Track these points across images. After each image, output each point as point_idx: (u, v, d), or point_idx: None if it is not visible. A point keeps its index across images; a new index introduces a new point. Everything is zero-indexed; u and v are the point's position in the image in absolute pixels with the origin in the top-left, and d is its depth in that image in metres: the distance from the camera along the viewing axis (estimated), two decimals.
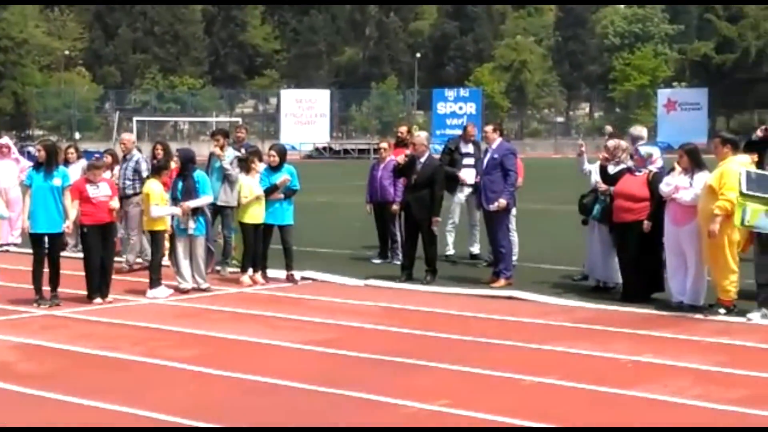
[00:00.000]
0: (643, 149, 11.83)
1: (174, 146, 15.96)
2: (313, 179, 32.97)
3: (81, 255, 12.12)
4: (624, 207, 11.37)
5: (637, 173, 11.53)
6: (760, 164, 11.39)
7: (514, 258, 13.34)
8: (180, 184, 12.27)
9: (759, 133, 12.85)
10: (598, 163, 12.25)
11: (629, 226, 11.29)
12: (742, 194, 10.06)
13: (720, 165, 10.55)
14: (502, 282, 12.47)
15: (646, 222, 11.14)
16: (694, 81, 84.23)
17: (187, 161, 12.55)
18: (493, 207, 12.55)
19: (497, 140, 12.98)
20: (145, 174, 13.96)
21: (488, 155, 12.92)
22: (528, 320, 10.40)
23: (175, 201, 12.21)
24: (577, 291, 12.06)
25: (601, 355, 8.79)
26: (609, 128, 13.38)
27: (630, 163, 11.80)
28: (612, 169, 11.88)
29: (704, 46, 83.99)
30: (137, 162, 14.21)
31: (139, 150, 14.81)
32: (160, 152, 14.08)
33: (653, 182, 11.25)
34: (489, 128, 13.21)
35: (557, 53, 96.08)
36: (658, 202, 11.08)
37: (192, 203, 12.12)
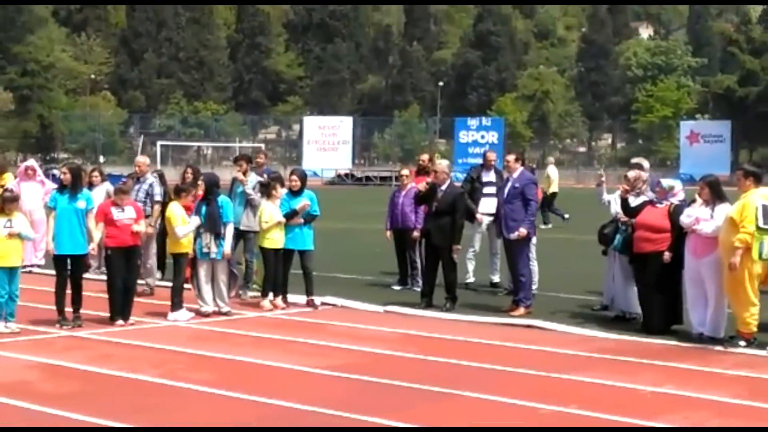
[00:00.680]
0: (665, 182, 11.84)
1: None
2: (335, 206, 33.08)
3: (104, 277, 12.22)
4: (644, 237, 11.37)
5: (658, 205, 11.54)
6: None
7: (534, 287, 13.35)
8: (204, 209, 12.35)
9: None
10: (618, 193, 12.26)
11: (649, 256, 11.28)
12: (759, 228, 10.11)
13: (742, 197, 10.55)
14: (521, 311, 12.47)
15: (666, 253, 11.13)
16: (716, 113, 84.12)
17: (212, 186, 12.65)
18: (514, 236, 12.58)
19: (519, 169, 13.01)
20: (158, 198, 14.14)
21: (509, 184, 12.95)
22: (547, 349, 10.39)
23: (198, 225, 12.29)
24: (597, 321, 12.04)
25: (621, 385, 8.77)
26: (639, 161, 13.40)
27: (651, 195, 11.81)
28: (633, 201, 11.89)
29: (727, 78, 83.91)
30: (151, 185, 14.38)
31: (161, 175, 15.00)
32: (190, 176, 14.23)
33: (674, 214, 11.25)
34: (511, 157, 13.25)
35: (580, 83, 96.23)
36: (679, 234, 11.09)
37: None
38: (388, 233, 14.84)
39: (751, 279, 10.39)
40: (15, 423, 7.39)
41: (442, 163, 13.71)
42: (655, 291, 11.23)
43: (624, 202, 11.98)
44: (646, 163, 13.22)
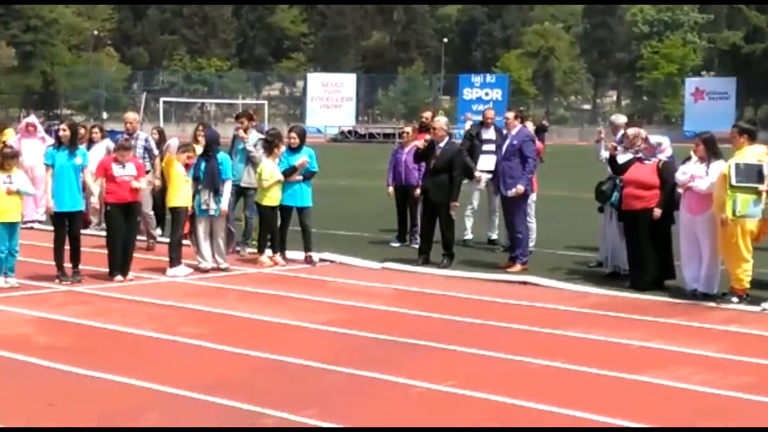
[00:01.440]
0: (653, 138, 11.85)
1: None
2: (337, 163, 33.15)
3: (104, 233, 12.32)
4: (634, 194, 11.42)
5: (646, 162, 11.57)
6: None
7: (531, 244, 13.45)
8: (203, 165, 12.41)
9: None
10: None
11: (639, 213, 11.34)
12: (731, 186, 10.23)
13: (736, 154, 10.61)
14: (518, 267, 12.56)
15: (656, 209, 11.20)
16: (722, 70, 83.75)
17: (212, 142, 12.70)
18: (511, 193, 12.64)
19: (518, 127, 13.05)
20: (156, 152, 14.23)
21: (507, 141, 13.00)
22: (541, 305, 10.49)
23: (197, 181, 12.37)
24: (592, 277, 12.14)
25: (612, 340, 8.88)
26: (623, 118, 13.46)
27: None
28: (621, 158, 11.93)
29: (733, 35, 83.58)
30: (146, 140, 14.47)
31: (160, 131, 15.11)
32: (202, 134, 14.24)
33: (663, 170, 11.32)
34: (510, 114, 13.28)
35: (585, 40, 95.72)
36: (669, 190, 11.15)
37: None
38: (390, 189, 14.89)
39: (743, 235, 10.47)
40: (13, 375, 7.52)
41: (440, 120, 13.74)
42: (645, 247, 11.30)
43: (612, 159, 12.04)
44: (624, 118, 13.38)
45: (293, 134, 13.36)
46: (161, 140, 15.02)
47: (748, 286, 10.60)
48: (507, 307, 10.46)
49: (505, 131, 13.60)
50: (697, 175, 10.83)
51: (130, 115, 15.26)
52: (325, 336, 8.99)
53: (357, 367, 7.70)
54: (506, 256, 13.27)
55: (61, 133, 11.72)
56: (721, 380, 7.54)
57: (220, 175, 12.43)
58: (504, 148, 13.03)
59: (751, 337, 9.20)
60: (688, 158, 11.20)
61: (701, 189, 10.75)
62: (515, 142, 12.88)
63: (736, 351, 8.50)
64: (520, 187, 12.61)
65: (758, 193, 10.30)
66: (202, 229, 12.39)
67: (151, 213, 14.28)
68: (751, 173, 10.35)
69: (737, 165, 10.36)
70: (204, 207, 12.34)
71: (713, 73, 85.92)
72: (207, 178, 12.34)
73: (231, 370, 7.72)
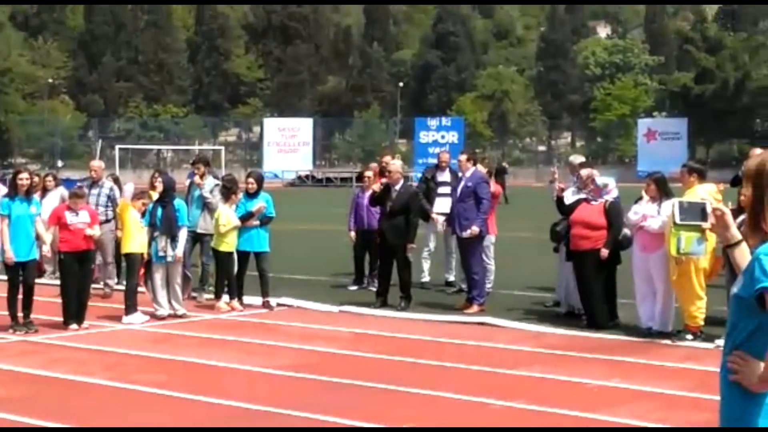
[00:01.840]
0: (599, 179, 11.99)
1: None
2: (295, 207, 33.13)
3: (58, 282, 12.21)
4: (581, 235, 11.53)
5: (593, 202, 11.70)
6: None
7: (489, 285, 13.50)
8: (160, 211, 12.36)
9: (743, 167, 13.07)
10: (571, 190, 12.43)
11: (587, 253, 11.44)
12: (675, 225, 10.34)
13: (686, 193, 10.76)
14: (474, 308, 12.60)
15: (603, 249, 11.32)
16: (673, 111, 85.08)
17: (168, 189, 12.66)
18: (466, 234, 12.72)
19: (471, 169, 13.16)
20: (120, 201, 14.17)
21: (462, 183, 13.10)
22: (498, 346, 10.52)
23: (153, 228, 12.31)
24: (549, 317, 12.20)
25: (569, 379, 8.91)
26: (581, 158, 13.64)
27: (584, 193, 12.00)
28: (568, 199, 12.08)
29: (684, 76, 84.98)
30: (111, 189, 14.43)
31: (115, 179, 15.07)
32: (158, 182, 14.12)
33: (610, 211, 11.47)
34: (463, 157, 13.41)
35: (539, 83, 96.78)
36: (616, 231, 11.31)
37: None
38: (352, 233, 14.85)
39: (697, 273, 10.59)
40: None
41: (395, 164, 13.83)
42: (595, 287, 11.40)
43: (559, 201, 12.19)
44: (580, 159, 13.54)
45: (251, 180, 13.37)
46: (117, 188, 15.02)
47: (702, 323, 10.70)
48: (464, 348, 10.47)
49: (459, 173, 13.70)
50: (648, 214, 10.97)
51: (95, 163, 15.24)
52: (283, 381, 8.94)
53: (313, 411, 7.67)
54: (464, 297, 13.31)
55: (21, 182, 11.59)
56: (680, 417, 7.59)
57: (176, 221, 12.39)
58: (459, 189, 13.13)
59: (708, 374, 9.22)
60: (640, 198, 11.34)
61: (653, 228, 10.89)
62: (470, 183, 12.99)
63: (694, 388, 8.56)
64: (475, 229, 12.68)
65: (702, 231, 10.42)
66: (159, 276, 12.31)
67: (113, 261, 14.23)
68: (695, 211, 10.40)
69: (681, 203, 10.44)
70: (161, 253, 12.28)
71: (665, 114, 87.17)
72: (164, 225, 12.29)
73: (188, 417, 7.64)
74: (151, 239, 12.32)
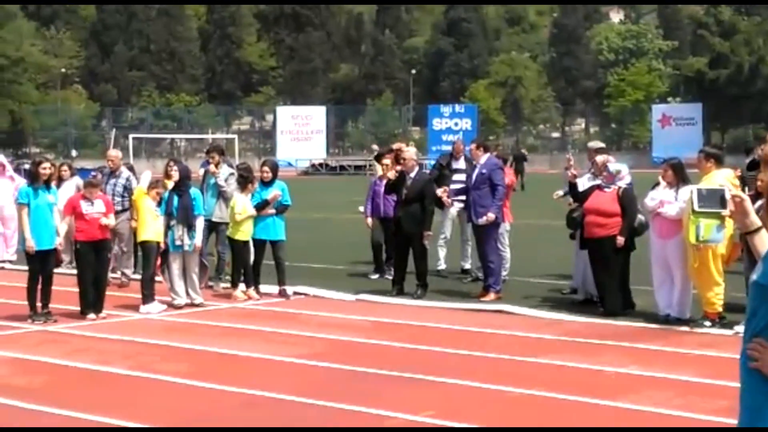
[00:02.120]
0: (612, 166, 11.94)
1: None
2: (309, 195, 33.15)
3: (75, 271, 12.26)
4: (595, 222, 11.50)
5: (606, 189, 11.66)
6: None
7: (505, 273, 13.49)
8: (176, 201, 12.38)
9: (759, 151, 12.97)
10: (586, 176, 12.41)
11: (601, 241, 11.42)
12: (694, 212, 10.30)
13: (703, 179, 10.73)
14: (491, 296, 12.60)
15: (619, 237, 11.28)
16: (688, 96, 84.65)
17: (185, 177, 12.69)
18: (482, 221, 12.71)
19: (484, 156, 13.13)
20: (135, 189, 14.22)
21: (476, 171, 13.08)
22: (515, 333, 10.52)
23: (170, 216, 12.34)
24: (566, 305, 12.19)
25: (587, 367, 8.91)
26: (599, 144, 13.58)
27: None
28: (581, 186, 12.04)
29: (698, 61, 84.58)
30: (128, 179, 14.43)
31: (130, 167, 15.08)
32: (174, 171, 14.20)
33: (623, 197, 11.43)
34: (473, 146, 13.38)
35: (552, 69, 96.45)
36: (630, 217, 11.27)
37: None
38: (369, 220, 14.83)
39: (715, 259, 10.56)
40: None
41: (410, 151, 13.81)
42: (611, 274, 11.37)
43: (572, 187, 12.15)
44: (598, 144, 13.50)
45: (266, 168, 13.37)
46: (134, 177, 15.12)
47: (720, 309, 10.68)
48: (482, 335, 10.48)
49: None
50: (666, 200, 10.94)
51: (112, 153, 15.29)
52: (301, 369, 8.97)
53: (333, 399, 7.69)
54: (479, 285, 13.30)
55: (45, 171, 11.66)
56: (699, 404, 7.58)
57: (193, 210, 12.42)
58: (473, 177, 13.10)
59: (727, 361, 9.21)
60: (657, 184, 11.31)
61: (670, 214, 10.86)
62: (484, 170, 12.97)
63: (713, 375, 8.53)
64: (491, 215, 12.67)
65: (721, 218, 10.38)
66: (176, 265, 12.35)
67: (128, 251, 14.28)
68: (714, 198, 10.38)
69: (699, 191, 10.43)
70: (178, 243, 12.31)
71: (679, 100, 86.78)
72: (181, 214, 12.31)
73: (209, 406, 7.68)
74: (167, 228, 12.34)
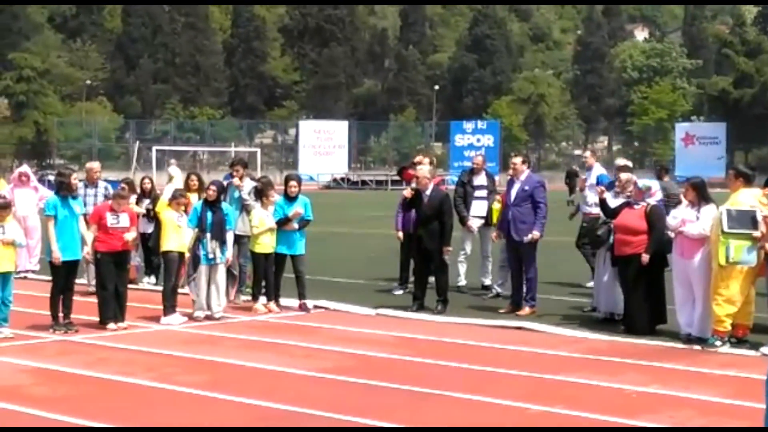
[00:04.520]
0: (642, 182, 11.90)
1: None
2: (331, 210, 33.18)
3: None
4: (624, 240, 11.47)
5: (635, 206, 11.62)
6: None
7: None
8: (210, 216, 12.40)
9: None
10: (610, 194, 12.35)
11: (629, 259, 11.38)
12: (723, 233, 10.23)
13: (732, 197, 10.69)
14: (527, 310, 12.57)
15: (644, 255, 11.23)
16: (712, 115, 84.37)
17: (221, 193, 12.75)
18: (527, 239, 12.66)
19: (525, 172, 13.07)
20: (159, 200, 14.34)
21: (517, 187, 12.94)
22: (536, 350, 10.48)
23: (203, 231, 12.35)
24: (587, 322, 12.14)
25: (607, 385, 8.87)
26: (623, 161, 13.58)
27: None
28: (612, 203, 11.99)
29: (722, 80, 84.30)
30: (105, 188, 14.58)
31: (129, 183, 15.17)
32: (195, 183, 14.32)
33: (651, 215, 11.37)
34: (518, 160, 13.18)
35: (575, 86, 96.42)
36: (658, 235, 11.20)
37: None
38: (400, 234, 14.58)
39: (743, 279, 10.42)
40: (9, 426, 7.48)
41: (423, 169, 13.68)
42: (637, 292, 11.33)
43: (602, 203, 12.08)
44: (623, 162, 13.46)
45: (293, 183, 13.31)
46: (152, 188, 15.27)
47: (729, 328, 10.54)
48: (503, 352, 10.45)
49: (509, 176, 13.50)
50: (687, 219, 10.88)
51: (94, 165, 15.25)
52: (322, 383, 8.97)
53: (351, 414, 7.69)
54: (498, 301, 13.27)
55: (74, 182, 11.78)
56: (720, 424, 7.53)
57: (225, 225, 12.48)
58: (513, 193, 12.96)
59: (750, 381, 9.16)
60: (679, 202, 11.26)
61: (692, 234, 10.78)
62: (526, 187, 12.88)
63: (736, 395, 8.47)
64: (536, 233, 12.64)
65: (752, 239, 10.31)
66: (205, 278, 12.36)
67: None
68: (744, 219, 10.33)
69: (729, 211, 10.37)
70: (211, 256, 12.34)
71: (703, 118, 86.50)
72: (215, 229, 12.35)
73: (228, 418, 7.69)
74: (199, 241, 12.35)
